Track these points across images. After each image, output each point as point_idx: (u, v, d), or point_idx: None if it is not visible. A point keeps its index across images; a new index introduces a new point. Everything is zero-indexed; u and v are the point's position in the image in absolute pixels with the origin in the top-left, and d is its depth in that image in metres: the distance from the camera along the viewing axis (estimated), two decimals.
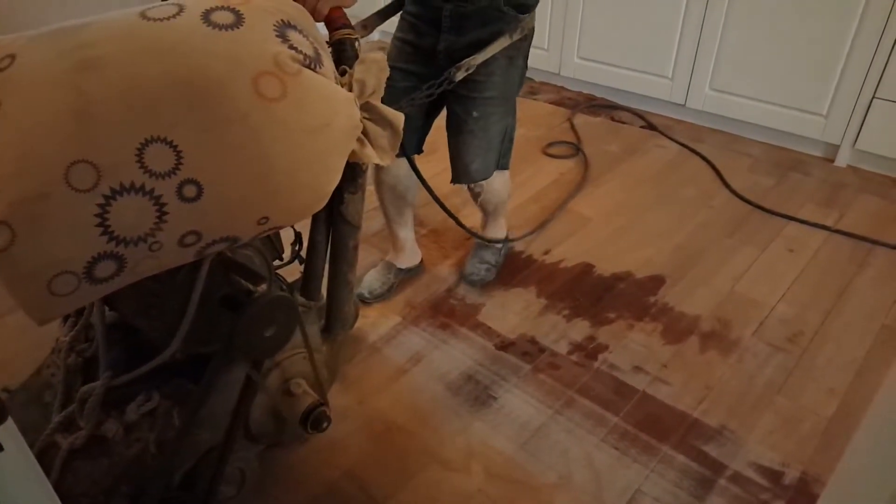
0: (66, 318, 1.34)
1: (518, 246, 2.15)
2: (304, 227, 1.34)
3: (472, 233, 1.86)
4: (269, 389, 1.28)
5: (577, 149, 2.72)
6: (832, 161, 2.59)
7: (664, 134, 2.83)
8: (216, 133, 0.90)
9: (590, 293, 1.95)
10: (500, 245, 2.03)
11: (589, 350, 1.75)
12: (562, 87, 3.34)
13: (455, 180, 1.74)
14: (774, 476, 1.42)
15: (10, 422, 0.98)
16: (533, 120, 3.00)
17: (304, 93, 0.96)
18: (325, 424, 1.30)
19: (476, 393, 1.63)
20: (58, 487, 1.14)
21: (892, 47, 2.27)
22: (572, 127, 2.91)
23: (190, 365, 1.20)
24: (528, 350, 1.75)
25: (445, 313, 1.88)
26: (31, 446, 1.21)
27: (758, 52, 2.56)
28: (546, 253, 2.13)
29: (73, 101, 0.85)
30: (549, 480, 1.42)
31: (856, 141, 2.48)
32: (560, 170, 2.59)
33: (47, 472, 1.14)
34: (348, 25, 1.16)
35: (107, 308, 1.29)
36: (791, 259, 2.08)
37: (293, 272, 1.41)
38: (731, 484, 1.41)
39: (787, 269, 2.03)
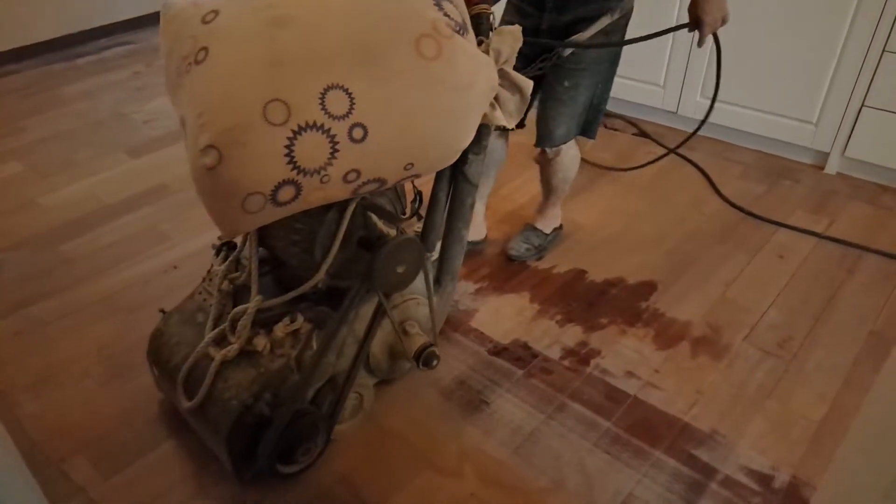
0: (218, 251, 1.50)
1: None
2: (424, 186, 1.45)
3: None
4: (387, 328, 1.44)
5: None
6: (822, 168, 2.61)
7: (656, 141, 2.85)
8: (383, 84, 1.05)
9: (582, 299, 1.96)
10: (548, 232, 2.12)
11: (581, 355, 1.76)
12: None
13: (538, 143, 1.84)
14: (765, 480, 1.43)
15: None
16: (527, 127, 3.00)
17: (455, 54, 1.10)
18: (434, 362, 1.46)
19: (469, 398, 1.63)
20: (210, 392, 1.32)
21: (881, 56, 2.29)
22: None
23: (327, 296, 1.38)
24: (521, 355, 1.76)
25: None
26: (185, 358, 1.38)
27: (748, 61, 2.59)
28: (539, 259, 2.14)
29: (268, 51, 1.00)
30: (541, 485, 1.43)
31: (845, 148, 2.50)
32: None
33: (200, 379, 1.33)
34: (485, 0, 1.30)
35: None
36: (781, 265, 2.10)
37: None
38: (722, 488, 1.42)
39: (777, 276, 2.05)
